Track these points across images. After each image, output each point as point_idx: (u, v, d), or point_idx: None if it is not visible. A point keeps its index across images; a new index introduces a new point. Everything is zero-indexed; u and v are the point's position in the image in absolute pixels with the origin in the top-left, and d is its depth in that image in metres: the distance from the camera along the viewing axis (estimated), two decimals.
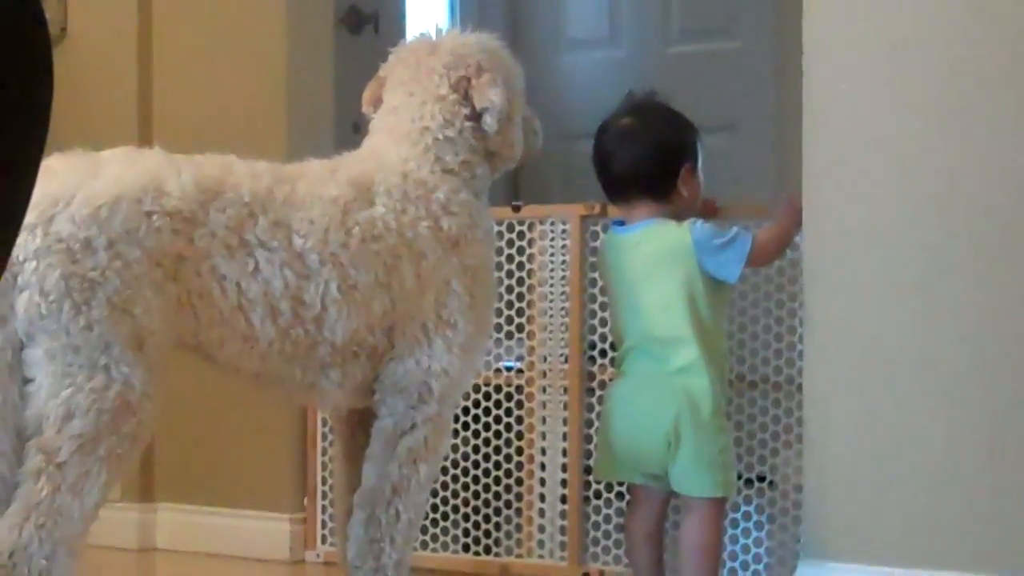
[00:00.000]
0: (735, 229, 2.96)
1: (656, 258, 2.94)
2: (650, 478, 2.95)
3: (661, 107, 3.11)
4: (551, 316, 3.43)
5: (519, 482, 3.47)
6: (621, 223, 3.06)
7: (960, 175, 2.81)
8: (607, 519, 3.36)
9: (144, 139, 3.69)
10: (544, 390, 3.43)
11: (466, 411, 3.48)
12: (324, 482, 3.63)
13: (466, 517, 3.54)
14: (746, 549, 3.24)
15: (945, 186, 2.82)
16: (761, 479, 3.24)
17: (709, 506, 2.90)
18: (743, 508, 3.24)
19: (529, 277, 3.45)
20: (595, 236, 3.37)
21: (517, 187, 5.21)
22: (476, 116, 2.75)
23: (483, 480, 3.53)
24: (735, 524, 3.23)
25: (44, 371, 2.28)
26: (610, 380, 3.30)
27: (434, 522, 3.52)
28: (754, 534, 3.24)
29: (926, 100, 2.84)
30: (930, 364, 2.83)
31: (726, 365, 3.01)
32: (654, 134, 3.02)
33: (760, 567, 3.23)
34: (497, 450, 3.51)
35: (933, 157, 2.83)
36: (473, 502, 3.53)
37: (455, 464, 3.52)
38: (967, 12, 2.82)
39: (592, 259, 3.37)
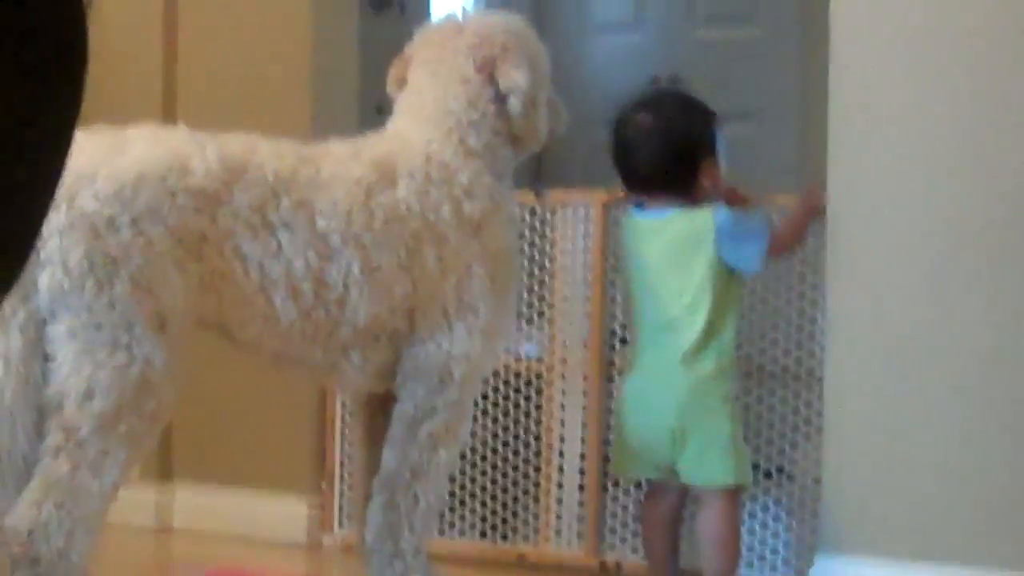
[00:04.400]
0: (756, 221, 2.95)
1: (678, 244, 2.92)
2: (665, 472, 2.94)
3: (679, 99, 3.09)
4: (572, 303, 3.41)
5: (537, 469, 3.46)
6: (639, 205, 3.03)
7: (987, 166, 2.80)
8: (624, 508, 3.35)
9: (168, 117, 3.68)
10: (564, 377, 3.42)
11: (485, 397, 3.47)
12: (342, 465, 3.62)
13: (483, 503, 3.53)
14: (764, 541, 3.22)
15: (971, 177, 2.81)
16: (780, 471, 3.23)
17: (723, 498, 2.89)
18: (761, 499, 3.23)
19: (550, 263, 3.44)
20: (618, 222, 3.36)
21: (540, 171, 5.19)
22: (501, 98, 2.73)
23: (501, 467, 3.52)
24: (753, 515, 3.22)
25: (66, 348, 2.28)
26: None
27: (452, 508, 3.51)
28: (772, 526, 3.23)
29: (954, 88, 2.83)
30: (949, 357, 2.82)
31: (734, 355, 2.98)
32: (673, 133, 2.98)
33: (778, 559, 3.22)
34: (516, 437, 3.50)
35: (960, 147, 2.82)
36: (491, 488, 3.52)
37: (473, 450, 3.51)
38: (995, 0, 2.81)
39: (614, 246, 3.35)
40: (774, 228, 2.95)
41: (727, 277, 2.93)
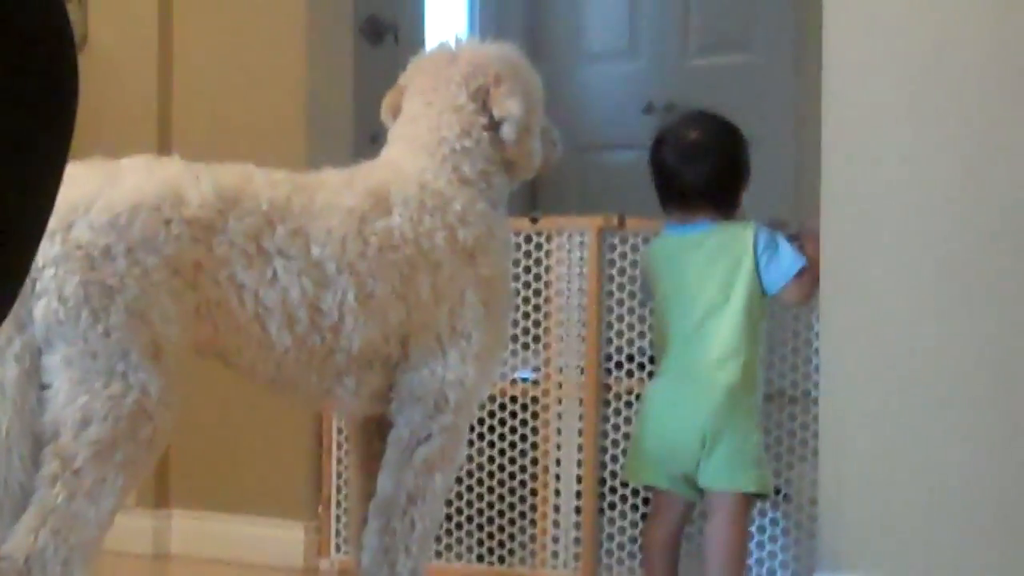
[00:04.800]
0: (795, 250, 2.97)
1: (718, 254, 2.96)
2: (678, 481, 2.95)
3: (725, 121, 3.11)
4: (568, 327, 3.43)
5: (534, 492, 3.47)
6: (674, 225, 3.05)
7: (980, 190, 2.81)
8: (621, 530, 3.36)
9: (163, 148, 3.70)
10: (560, 401, 3.43)
11: (482, 421, 3.48)
12: (339, 490, 3.63)
13: (480, 527, 3.54)
14: (760, 562, 3.23)
15: (964, 201, 2.82)
16: (777, 492, 3.23)
17: (736, 504, 2.91)
18: (758, 521, 3.23)
19: (546, 288, 3.46)
20: (612, 248, 3.38)
21: (535, 198, 5.21)
22: (494, 126, 2.74)
23: (498, 490, 3.53)
24: (751, 536, 3.22)
25: (61, 377, 2.29)
26: (627, 392, 3.31)
27: (448, 531, 3.52)
28: (769, 547, 3.24)
29: (946, 113, 2.84)
30: (947, 378, 2.82)
31: (762, 368, 3.02)
32: (726, 150, 3.04)
33: None
34: (512, 460, 3.51)
35: (952, 171, 2.83)
36: (488, 512, 3.53)
37: (470, 474, 3.52)
38: (987, 26, 2.82)
39: (610, 271, 3.37)
40: (807, 263, 2.96)
41: (760, 290, 2.96)
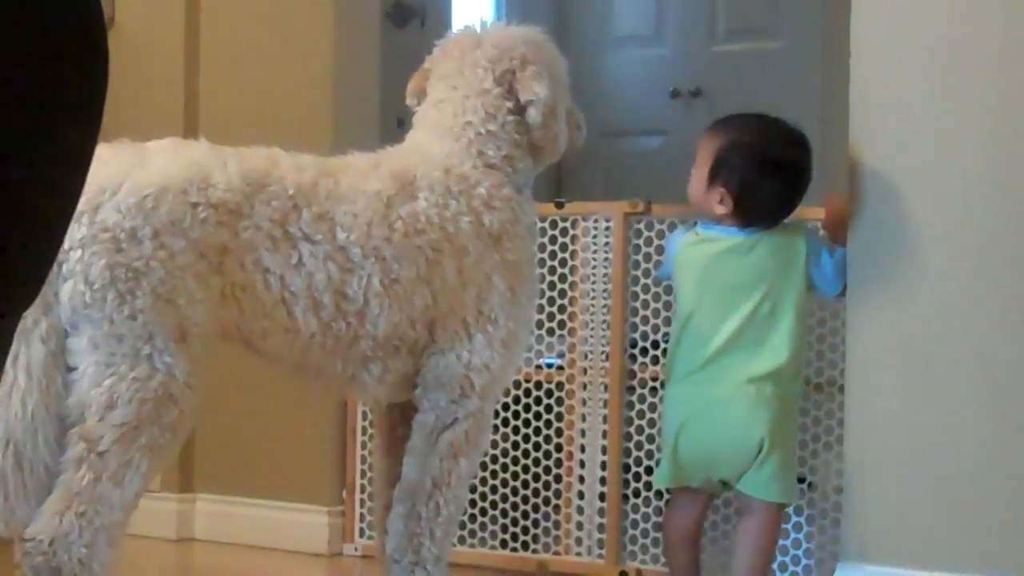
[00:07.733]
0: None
1: (769, 261, 2.93)
2: (713, 484, 2.94)
3: (801, 135, 3.05)
4: (593, 313, 3.42)
5: (558, 479, 3.47)
6: (712, 225, 3.00)
7: (1009, 175, 2.79)
8: (645, 517, 3.36)
9: (190, 131, 3.70)
10: (585, 387, 3.43)
11: (506, 407, 3.48)
12: (363, 475, 3.63)
13: (504, 513, 3.54)
14: (784, 550, 3.22)
15: (993, 186, 2.81)
16: (801, 480, 3.22)
17: (776, 510, 2.91)
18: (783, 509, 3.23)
19: (571, 274, 3.45)
20: (638, 234, 3.37)
21: (560, 183, 5.20)
22: (520, 110, 2.73)
23: (522, 476, 3.53)
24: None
25: (87, 360, 2.30)
26: (652, 378, 3.30)
27: (472, 517, 3.52)
28: (793, 535, 3.23)
29: (975, 98, 2.83)
30: (973, 366, 2.81)
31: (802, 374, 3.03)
32: (802, 171, 3.00)
33: (799, 568, 3.22)
34: (536, 447, 3.50)
35: (981, 157, 2.82)
36: (512, 498, 3.53)
37: (494, 460, 3.51)
38: (1015, 9, 2.80)
39: (635, 257, 3.36)
40: None
41: (807, 296, 2.96)
